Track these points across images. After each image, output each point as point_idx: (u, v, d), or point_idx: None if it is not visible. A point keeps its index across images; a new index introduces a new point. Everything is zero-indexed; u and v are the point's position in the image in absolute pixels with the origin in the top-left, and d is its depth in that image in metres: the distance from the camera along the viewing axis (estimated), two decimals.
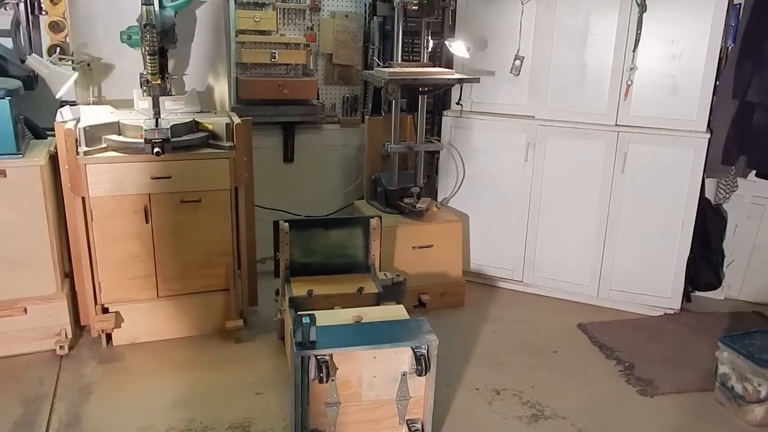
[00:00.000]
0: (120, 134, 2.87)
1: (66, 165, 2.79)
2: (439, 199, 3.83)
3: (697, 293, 3.67)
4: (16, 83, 2.80)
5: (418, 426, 2.27)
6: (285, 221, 2.87)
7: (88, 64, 3.15)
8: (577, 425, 2.54)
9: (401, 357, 2.20)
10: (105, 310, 2.95)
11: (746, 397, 2.59)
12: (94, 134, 2.79)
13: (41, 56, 3.01)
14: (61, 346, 2.87)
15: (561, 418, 2.58)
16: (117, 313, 2.96)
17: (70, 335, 2.93)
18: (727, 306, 3.63)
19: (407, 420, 2.27)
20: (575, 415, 2.60)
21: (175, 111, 3.10)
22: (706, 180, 3.42)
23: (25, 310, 2.84)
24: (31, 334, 2.88)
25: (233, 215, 3.05)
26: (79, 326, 3.10)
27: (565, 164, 3.53)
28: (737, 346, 2.64)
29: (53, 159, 2.87)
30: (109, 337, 3.00)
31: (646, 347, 3.14)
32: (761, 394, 2.54)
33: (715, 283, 3.62)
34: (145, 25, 2.73)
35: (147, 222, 2.88)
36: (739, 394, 2.61)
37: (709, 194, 3.54)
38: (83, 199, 2.80)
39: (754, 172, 3.48)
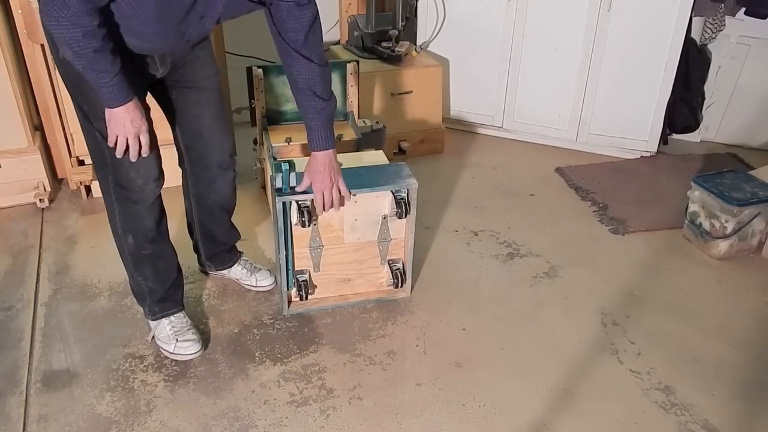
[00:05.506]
0: None
1: (19, 9, 2.60)
2: (419, 42, 3.69)
3: (674, 136, 3.70)
4: None
5: (399, 265, 2.36)
6: (258, 67, 2.77)
7: None
8: (550, 262, 2.65)
9: (382, 201, 2.23)
10: (81, 163, 2.91)
11: (712, 233, 2.70)
12: None
13: None
14: (40, 199, 2.87)
15: (535, 256, 2.69)
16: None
17: (48, 188, 2.92)
18: (703, 148, 3.68)
19: (389, 260, 2.36)
20: (549, 253, 2.71)
21: None
22: (694, 19, 3.30)
23: None
24: (8, 188, 2.86)
25: None
26: (56, 180, 3.08)
27: (550, 2, 3.37)
28: (708, 185, 2.70)
29: (5, 4, 2.67)
30: (88, 189, 2.99)
31: (621, 189, 3.22)
32: (727, 230, 2.65)
33: (693, 125, 3.64)
34: None
35: None
36: (706, 230, 2.72)
37: (695, 35, 3.45)
38: (42, 46, 2.65)
39: (743, 9, 3.36)
